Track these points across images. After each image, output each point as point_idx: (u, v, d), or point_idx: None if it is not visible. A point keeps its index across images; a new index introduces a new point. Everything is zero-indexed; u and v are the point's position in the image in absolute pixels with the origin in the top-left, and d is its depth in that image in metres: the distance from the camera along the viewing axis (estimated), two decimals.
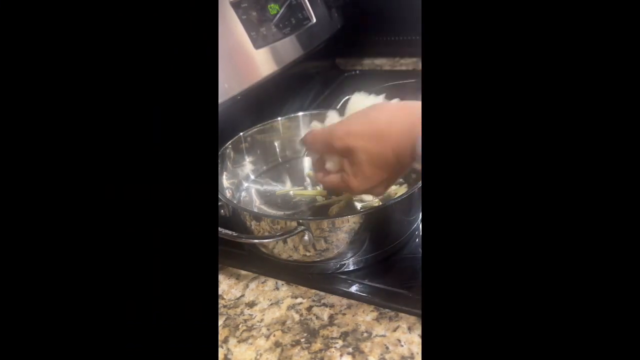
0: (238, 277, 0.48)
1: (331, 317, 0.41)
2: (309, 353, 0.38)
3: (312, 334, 0.40)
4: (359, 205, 0.55)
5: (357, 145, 0.39)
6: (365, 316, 0.41)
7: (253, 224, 0.46)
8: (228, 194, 0.58)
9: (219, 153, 0.58)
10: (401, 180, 0.58)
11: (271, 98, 0.76)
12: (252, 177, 0.64)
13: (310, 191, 0.60)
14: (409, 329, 0.39)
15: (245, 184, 0.63)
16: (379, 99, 0.47)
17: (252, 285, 0.47)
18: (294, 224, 0.43)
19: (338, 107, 0.67)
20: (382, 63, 1.08)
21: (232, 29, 0.64)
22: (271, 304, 0.44)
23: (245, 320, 0.42)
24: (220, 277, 0.48)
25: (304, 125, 0.67)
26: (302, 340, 0.39)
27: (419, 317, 0.40)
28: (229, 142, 0.60)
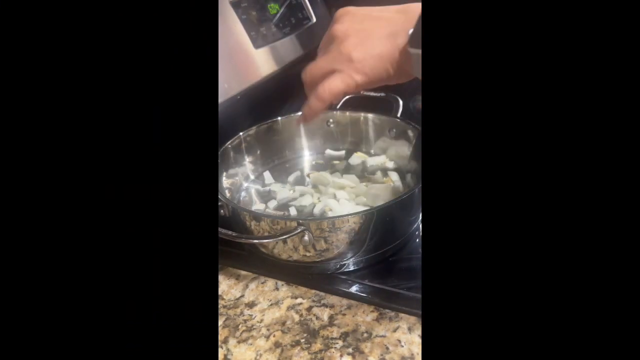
0: (238, 278, 0.48)
1: (331, 317, 0.41)
2: (309, 353, 0.38)
3: (312, 334, 0.40)
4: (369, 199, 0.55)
5: (345, 28, 0.41)
6: (365, 316, 0.41)
7: (253, 224, 0.46)
8: (228, 194, 0.58)
9: (219, 153, 0.58)
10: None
11: (271, 98, 0.76)
12: (252, 177, 0.64)
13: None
14: (409, 329, 0.39)
15: (245, 184, 0.63)
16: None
17: (252, 285, 0.47)
18: (294, 224, 0.43)
19: (338, 107, 0.67)
20: None
21: (232, 28, 0.64)
22: (271, 304, 0.44)
23: (245, 321, 0.42)
24: (220, 277, 0.48)
25: (304, 125, 0.67)
26: (302, 340, 0.39)
27: (419, 317, 0.40)
28: (229, 142, 0.60)
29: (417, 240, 0.50)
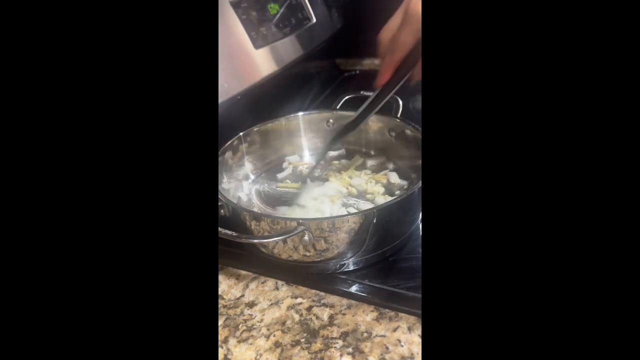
0: (238, 277, 0.48)
1: (331, 317, 0.41)
2: (309, 353, 0.38)
3: (312, 334, 0.40)
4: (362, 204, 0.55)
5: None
6: (365, 316, 0.41)
7: (253, 224, 0.46)
8: (228, 194, 0.58)
9: (219, 153, 0.58)
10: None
11: (271, 98, 0.76)
12: (252, 177, 0.64)
13: (292, 184, 0.61)
14: (409, 329, 0.39)
15: (245, 184, 0.63)
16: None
17: (252, 285, 0.47)
18: (294, 224, 0.43)
19: (338, 107, 0.67)
20: None
21: (232, 29, 0.64)
22: (271, 304, 0.44)
23: (245, 321, 0.42)
24: (220, 277, 0.48)
25: (304, 125, 0.67)
26: (302, 340, 0.39)
27: (419, 317, 0.40)
28: (229, 142, 0.60)
29: (417, 240, 0.50)
